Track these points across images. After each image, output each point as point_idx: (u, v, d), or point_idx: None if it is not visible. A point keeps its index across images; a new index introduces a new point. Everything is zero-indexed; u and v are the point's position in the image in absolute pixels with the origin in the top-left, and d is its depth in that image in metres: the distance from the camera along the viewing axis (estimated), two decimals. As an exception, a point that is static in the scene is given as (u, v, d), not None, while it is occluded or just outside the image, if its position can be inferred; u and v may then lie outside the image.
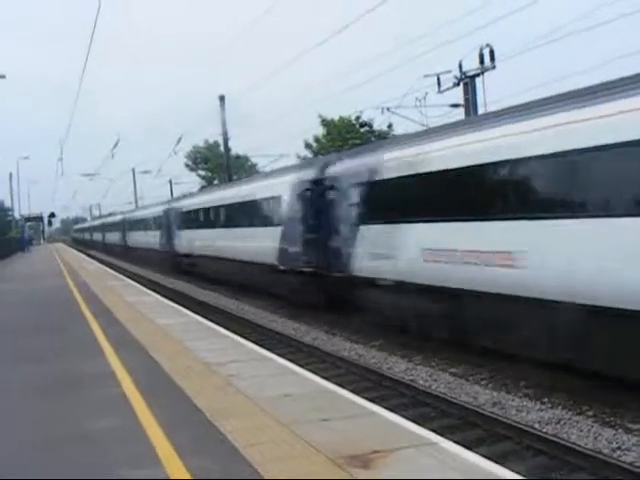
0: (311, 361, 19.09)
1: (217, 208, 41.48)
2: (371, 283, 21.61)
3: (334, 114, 68.15)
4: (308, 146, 70.35)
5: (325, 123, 68.41)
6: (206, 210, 43.97)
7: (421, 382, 16.48)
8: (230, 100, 52.74)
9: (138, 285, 35.18)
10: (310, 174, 26.90)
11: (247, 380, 12.06)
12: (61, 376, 13.43)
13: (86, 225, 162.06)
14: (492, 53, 28.35)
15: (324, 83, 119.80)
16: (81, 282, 36.42)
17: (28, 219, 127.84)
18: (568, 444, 11.73)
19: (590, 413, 13.46)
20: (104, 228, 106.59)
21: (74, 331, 19.19)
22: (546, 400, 14.39)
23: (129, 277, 43.86)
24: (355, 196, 22.61)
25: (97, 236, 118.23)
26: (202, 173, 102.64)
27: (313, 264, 26.06)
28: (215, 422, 9.45)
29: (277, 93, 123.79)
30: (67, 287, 33.72)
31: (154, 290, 33.23)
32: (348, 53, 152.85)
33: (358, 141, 56.55)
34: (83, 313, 22.72)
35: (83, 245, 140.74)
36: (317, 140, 69.46)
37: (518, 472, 8.24)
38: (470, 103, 29.56)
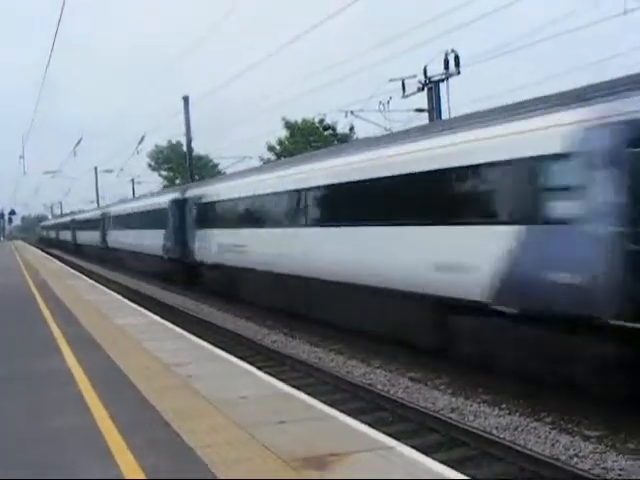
0: (270, 364, 19.04)
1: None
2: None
3: (298, 117, 68.23)
4: (271, 149, 70.32)
5: (289, 126, 68.44)
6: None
7: (379, 386, 16.48)
8: (194, 101, 52.62)
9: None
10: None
11: (205, 381, 11.99)
12: (15, 375, 13.30)
13: (58, 221, 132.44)
14: (457, 59, 28.49)
15: (288, 86, 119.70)
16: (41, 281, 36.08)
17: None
18: (525, 450, 11.78)
19: (548, 420, 13.52)
20: (82, 225, 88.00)
21: (31, 329, 19.02)
22: (504, 406, 14.44)
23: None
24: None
25: (83, 236, 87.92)
26: (164, 173, 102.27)
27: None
28: (171, 423, 9.38)
29: (241, 95, 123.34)
30: (25, 285, 33.42)
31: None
32: (313, 56, 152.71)
33: (321, 144, 56.57)
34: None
35: (55, 245, 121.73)
36: (280, 143, 69.45)
37: (474, 478, 8.24)
38: (434, 108, 29.67)
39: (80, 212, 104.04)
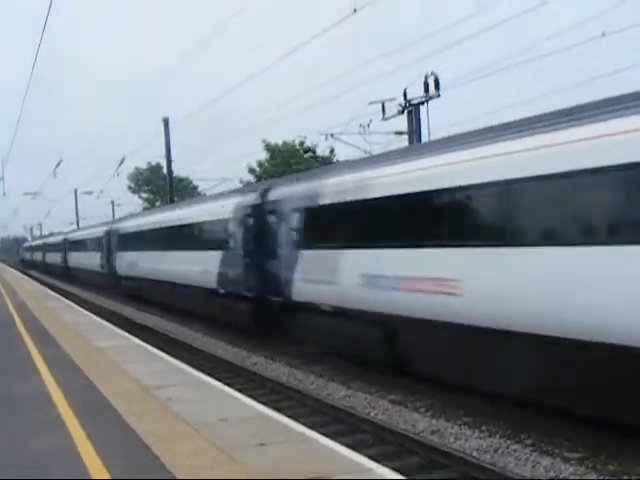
0: (250, 386, 18.97)
1: None
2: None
3: (278, 139, 68.33)
4: (252, 171, 70.34)
5: (269, 148, 68.54)
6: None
7: (360, 409, 16.44)
8: (174, 124, 52.61)
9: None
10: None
11: (185, 404, 11.97)
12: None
13: (46, 241, 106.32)
14: (437, 81, 28.62)
15: (269, 108, 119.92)
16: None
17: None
18: (506, 473, 11.78)
19: (528, 442, 13.52)
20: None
21: (9, 351, 18.91)
22: (484, 428, 14.44)
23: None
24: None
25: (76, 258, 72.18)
26: (144, 195, 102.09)
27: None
28: (151, 446, 9.34)
29: (221, 117, 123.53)
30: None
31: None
32: (294, 79, 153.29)
33: (301, 166, 56.65)
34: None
35: (41, 269, 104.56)
36: (260, 165, 69.50)
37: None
38: (414, 131, 29.77)
39: (75, 230, 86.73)
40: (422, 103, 29.48)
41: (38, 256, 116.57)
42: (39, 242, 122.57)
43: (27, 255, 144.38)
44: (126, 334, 22.97)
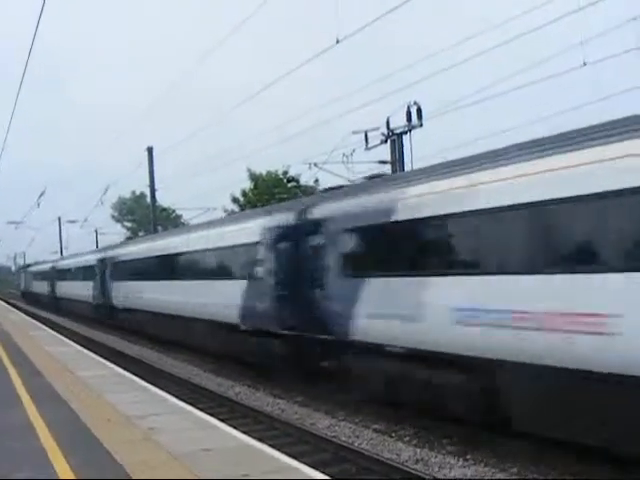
0: (233, 416, 18.89)
1: None
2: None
3: (262, 169, 68.40)
4: (235, 200, 70.32)
5: (253, 177, 68.58)
6: None
7: (344, 438, 16.39)
8: (159, 152, 52.66)
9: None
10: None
11: (167, 434, 11.92)
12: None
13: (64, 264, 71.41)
14: (419, 111, 28.72)
15: (252, 138, 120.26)
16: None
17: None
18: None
19: (513, 470, 13.50)
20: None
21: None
22: (469, 457, 14.41)
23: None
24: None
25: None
26: (128, 224, 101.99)
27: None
28: (133, 476, 9.29)
29: (204, 147, 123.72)
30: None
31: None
32: (278, 108, 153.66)
33: (285, 196, 56.71)
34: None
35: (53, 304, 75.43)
36: (244, 194, 69.50)
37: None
38: (397, 160, 29.85)
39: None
40: (405, 132, 29.58)
41: (62, 287, 68.60)
42: (65, 263, 70.13)
43: (34, 285, 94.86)
44: (109, 363, 22.88)
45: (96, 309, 51.73)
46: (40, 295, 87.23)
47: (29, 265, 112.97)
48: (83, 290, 54.85)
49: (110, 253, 49.04)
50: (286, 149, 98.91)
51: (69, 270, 64.33)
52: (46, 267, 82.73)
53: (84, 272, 55.70)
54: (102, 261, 49.52)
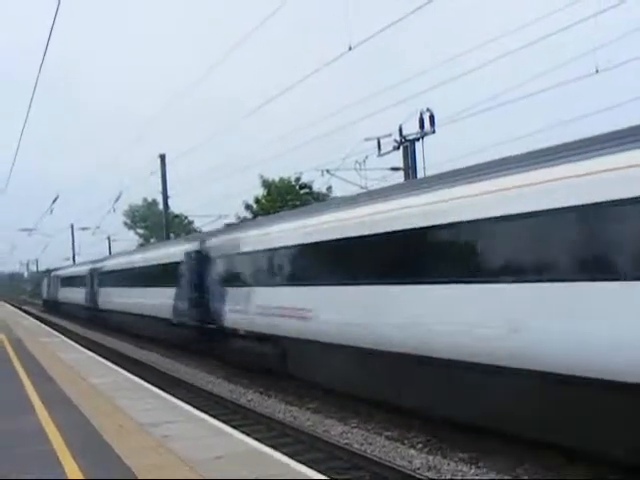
0: (246, 422, 18.88)
1: None
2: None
3: (275, 175, 68.43)
4: (248, 207, 70.34)
5: (266, 184, 68.59)
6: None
7: (356, 445, 16.36)
8: (171, 160, 52.75)
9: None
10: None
11: (180, 441, 11.92)
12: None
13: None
14: (432, 118, 28.73)
15: (265, 145, 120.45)
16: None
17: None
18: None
19: (525, 477, 13.46)
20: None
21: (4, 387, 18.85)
22: (481, 464, 14.36)
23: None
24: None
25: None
26: (140, 231, 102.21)
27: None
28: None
29: (217, 154, 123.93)
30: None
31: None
32: (291, 115, 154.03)
33: (298, 202, 56.76)
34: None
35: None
36: (257, 201, 69.52)
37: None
38: (409, 167, 29.86)
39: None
40: (417, 139, 29.59)
41: (112, 296, 51.19)
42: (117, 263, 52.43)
43: (61, 292, 79.67)
44: (121, 370, 22.93)
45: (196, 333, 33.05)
46: (70, 305, 71.78)
47: (56, 269, 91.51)
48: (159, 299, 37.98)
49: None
50: (299, 156, 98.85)
51: (128, 272, 47.01)
52: (82, 270, 64.91)
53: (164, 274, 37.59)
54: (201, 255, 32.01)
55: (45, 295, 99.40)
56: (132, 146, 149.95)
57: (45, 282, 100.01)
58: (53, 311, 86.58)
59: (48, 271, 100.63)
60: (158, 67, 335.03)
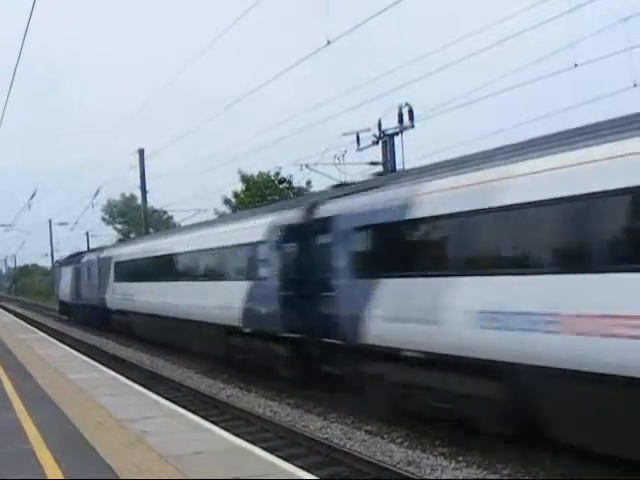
0: (225, 418, 18.86)
1: None
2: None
3: (254, 170, 68.28)
4: (227, 202, 70.16)
5: (245, 179, 68.42)
6: None
7: (336, 440, 16.36)
8: (149, 155, 52.62)
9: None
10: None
11: (159, 437, 11.89)
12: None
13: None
14: (411, 112, 28.74)
15: (244, 140, 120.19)
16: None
17: None
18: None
19: (505, 472, 13.48)
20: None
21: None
22: (461, 459, 14.39)
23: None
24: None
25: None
26: (119, 227, 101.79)
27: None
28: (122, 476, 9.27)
29: (197, 149, 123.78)
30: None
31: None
32: (268, 110, 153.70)
33: (277, 197, 56.67)
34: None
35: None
36: (236, 196, 69.33)
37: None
38: (389, 162, 29.87)
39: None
40: (396, 134, 29.60)
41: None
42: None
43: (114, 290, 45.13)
44: (101, 367, 22.85)
45: None
46: (130, 315, 41.77)
47: (101, 249, 55.18)
48: None
49: None
50: (278, 150, 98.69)
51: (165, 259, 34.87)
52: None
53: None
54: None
55: (68, 296, 61.37)
56: (113, 141, 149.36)
57: (65, 275, 63.12)
58: (86, 321, 54.55)
59: (76, 256, 61.84)
60: (139, 62, 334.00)
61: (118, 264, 44.19)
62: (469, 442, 14.95)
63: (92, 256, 52.67)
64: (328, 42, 22.50)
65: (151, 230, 59.13)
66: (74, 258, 61.83)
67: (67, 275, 61.78)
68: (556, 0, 20.32)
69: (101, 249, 53.52)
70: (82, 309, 55.26)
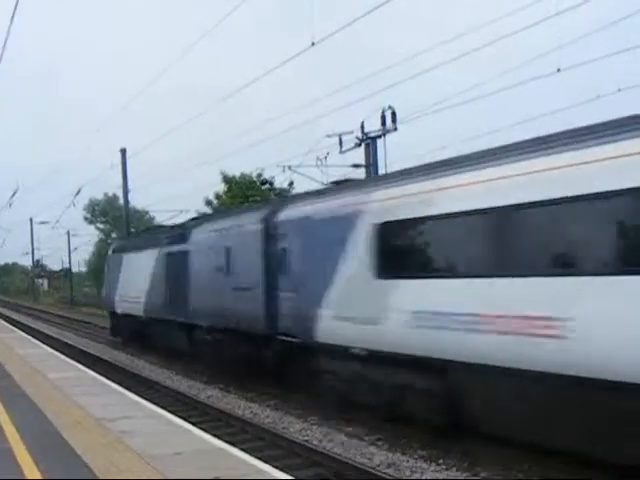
0: (205, 419, 18.82)
1: None
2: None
3: (236, 171, 68.20)
4: (209, 202, 70.07)
5: (227, 180, 68.34)
6: None
7: (315, 442, 16.34)
8: (131, 154, 52.51)
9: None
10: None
11: (139, 437, 11.84)
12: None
13: None
14: (394, 115, 28.83)
15: (227, 141, 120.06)
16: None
17: None
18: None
19: (484, 474, 13.51)
20: None
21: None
22: (441, 461, 14.40)
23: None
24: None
25: None
26: (100, 226, 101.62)
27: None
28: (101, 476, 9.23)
29: (179, 149, 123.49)
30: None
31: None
32: (252, 111, 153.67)
33: (259, 198, 56.63)
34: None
35: None
36: (218, 197, 69.24)
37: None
38: (371, 164, 29.93)
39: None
40: (379, 136, 29.66)
41: None
42: None
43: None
44: (80, 366, 22.77)
45: None
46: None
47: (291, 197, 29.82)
48: None
49: None
50: (261, 152, 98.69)
51: None
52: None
53: None
54: None
55: (145, 306, 34.89)
56: (96, 139, 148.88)
57: (148, 265, 34.75)
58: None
59: (176, 230, 33.58)
60: (122, 62, 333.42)
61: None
62: (449, 445, 14.96)
63: (249, 218, 24.35)
64: (312, 44, 22.46)
65: (132, 230, 58.90)
66: (166, 233, 34.24)
67: (140, 267, 35.55)
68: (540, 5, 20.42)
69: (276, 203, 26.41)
70: (181, 334, 29.69)
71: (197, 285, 27.50)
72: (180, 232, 30.98)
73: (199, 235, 27.85)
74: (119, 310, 39.51)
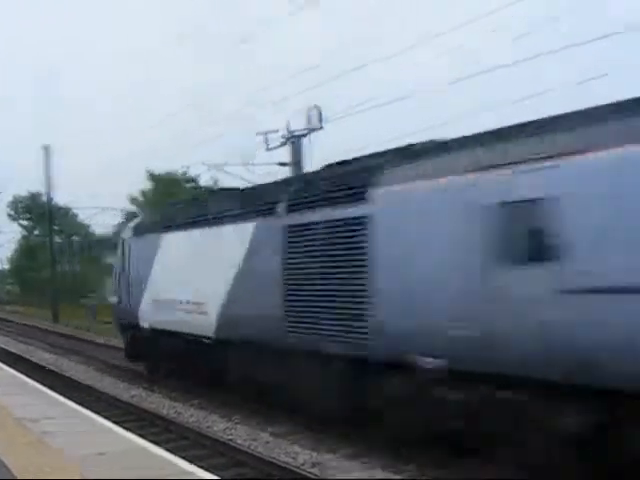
0: (129, 418, 18.64)
1: None
2: None
3: (162, 170, 67.84)
4: (134, 200, 69.61)
5: (153, 178, 68.00)
6: None
7: (240, 441, 16.27)
8: (55, 151, 51.97)
9: None
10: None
11: (61, 437, 11.70)
12: None
13: None
14: (320, 114, 29.01)
15: (154, 139, 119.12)
16: None
17: None
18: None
19: (410, 473, 13.56)
20: None
21: None
22: (367, 460, 14.42)
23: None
24: None
25: None
26: (24, 223, 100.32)
27: None
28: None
29: (105, 147, 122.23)
30: None
31: None
32: (179, 108, 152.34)
33: (183, 196, 56.51)
34: None
35: None
36: (143, 194, 68.84)
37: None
38: (298, 162, 30.05)
39: None
40: (304, 135, 29.80)
41: None
42: None
43: None
44: (2, 365, 22.43)
45: None
46: None
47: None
48: None
49: None
50: (187, 150, 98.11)
51: None
52: None
53: None
54: None
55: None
56: (20, 135, 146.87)
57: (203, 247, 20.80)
58: None
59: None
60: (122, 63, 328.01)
61: None
62: (375, 443, 15.00)
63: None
64: (242, 40, 22.45)
65: (55, 228, 58.30)
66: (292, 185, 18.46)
67: (212, 253, 20.17)
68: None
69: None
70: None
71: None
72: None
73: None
74: (149, 324, 24.72)
